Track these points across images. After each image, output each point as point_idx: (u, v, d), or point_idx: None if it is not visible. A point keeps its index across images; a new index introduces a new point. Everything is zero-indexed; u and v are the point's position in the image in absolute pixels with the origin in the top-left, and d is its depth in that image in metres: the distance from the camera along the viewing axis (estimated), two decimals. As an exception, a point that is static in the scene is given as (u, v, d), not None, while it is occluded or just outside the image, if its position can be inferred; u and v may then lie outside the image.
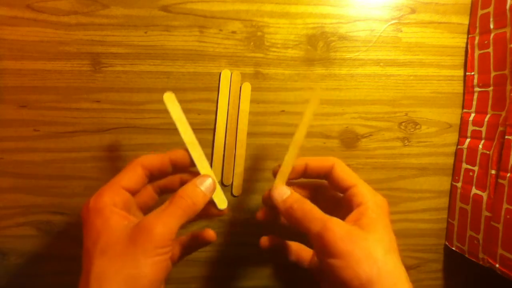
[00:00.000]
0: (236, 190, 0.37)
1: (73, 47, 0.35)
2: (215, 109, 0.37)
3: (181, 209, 0.26)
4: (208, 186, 0.29)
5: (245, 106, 0.37)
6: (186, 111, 0.36)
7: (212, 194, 0.29)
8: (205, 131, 0.37)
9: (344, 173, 0.30)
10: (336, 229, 0.25)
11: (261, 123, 0.37)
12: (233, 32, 0.36)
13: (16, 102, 0.35)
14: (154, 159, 0.29)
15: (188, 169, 0.31)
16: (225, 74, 0.36)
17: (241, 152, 0.37)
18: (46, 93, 0.35)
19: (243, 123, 0.37)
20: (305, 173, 0.31)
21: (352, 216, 0.27)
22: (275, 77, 0.37)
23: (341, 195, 0.30)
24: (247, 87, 0.36)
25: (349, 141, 0.38)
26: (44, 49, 0.35)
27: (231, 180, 0.37)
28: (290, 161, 0.30)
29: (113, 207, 0.26)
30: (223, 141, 0.37)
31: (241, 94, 0.37)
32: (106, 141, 0.36)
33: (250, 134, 0.37)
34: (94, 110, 0.36)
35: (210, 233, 0.31)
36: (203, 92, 0.36)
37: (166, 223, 0.25)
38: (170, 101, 0.30)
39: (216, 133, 0.37)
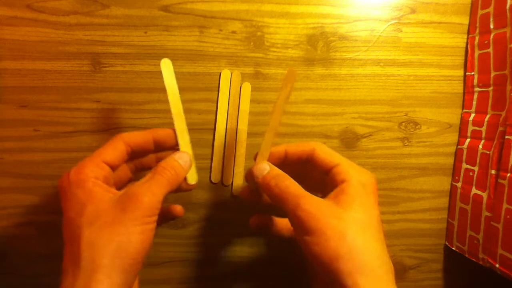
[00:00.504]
0: (236, 190, 0.37)
1: (73, 47, 0.35)
2: (215, 109, 0.37)
3: (166, 179, 0.27)
4: (185, 161, 0.30)
5: (245, 106, 0.37)
6: (186, 111, 0.36)
7: (189, 169, 0.30)
8: (205, 131, 0.37)
9: (326, 154, 0.30)
10: (307, 206, 0.26)
11: (261, 123, 0.37)
12: (233, 32, 0.36)
13: (16, 102, 0.35)
14: (136, 136, 0.30)
15: (170, 148, 0.32)
16: (225, 74, 0.36)
17: (241, 152, 0.37)
18: (46, 93, 0.35)
19: (243, 123, 0.37)
20: (286, 159, 0.31)
21: (332, 193, 0.28)
22: (275, 77, 0.37)
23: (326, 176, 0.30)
24: (247, 87, 0.36)
25: (349, 141, 0.38)
26: (44, 49, 0.35)
27: (231, 180, 0.37)
28: (269, 141, 0.30)
29: (95, 179, 0.26)
30: (223, 141, 0.37)
31: (241, 94, 0.37)
32: (106, 141, 0.36)
33: (250, 134, 0.37)
34: (94, 110, 0.36)
35: (178, 209, 0.33)
36: (203, 92, 0.36)
37: (153, 192, 0.26)
38: (166, 68, 0.30)
39: (216, 133, 0.37)
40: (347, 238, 0.25)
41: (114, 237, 0.25)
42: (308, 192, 0.27)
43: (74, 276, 0.24)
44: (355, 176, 0.28)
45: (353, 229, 0.25)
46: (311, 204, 0.26)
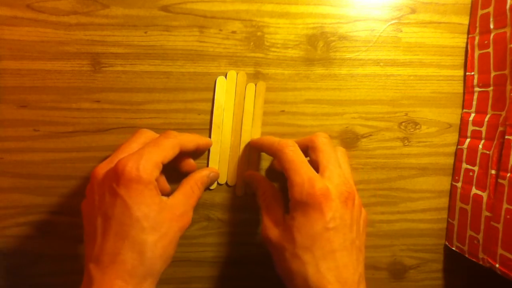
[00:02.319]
0: (238, 191, 0.37)
1: (73, 47, 0.35)
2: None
3: (196, 199, 0.31)
4: (213, 182, 0.36)
5: (249, 106, 0.36)
6: (186, 111, 0.36)
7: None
8: (205, 131, 0.37)
9: (282, 163, 0.32)
10: (264, 219, 0.31)
11: (262, 123, 0.37)
12: (233, 32, 0.36)
13: (16, 102, 0.35)
14: (189, 143, 0.31)
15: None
16: (231, 74, 0.36)
17: (245, 153, 0.37)
18: (46, 93, 0.35)
19: (247, 124, 0.37)
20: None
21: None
22: (275, 77, 0.37)
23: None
24: (251, 88, 0.36)
25: (349, 141, 0.38)
26: (44, 49, 0.35)
27: (235, 181, 0.37)
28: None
29: (156, 182, 0.27)
30: (229, 143, 0.37)
31: (245, 95, 0.36)
32: (106, 141, 0.36)
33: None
34: (94, 110, 0.36)
35: None
36: (203, 92, 0.36)
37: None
38: (220, 85, 0.35)
39: (222, 134, 0.36)
40: (285, 257, 0.28)
41: (168, 250, 0.27)
42: (267, 209, 0.32)
43: (130, 274, 0.25)
44: (296, 192, 0.28)
45: (290, 249, 0.28)
46: (266, 220, 0.31)
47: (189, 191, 0.30)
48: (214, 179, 0.35)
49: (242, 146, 0.37)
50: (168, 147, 0.29)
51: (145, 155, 0.27)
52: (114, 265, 0.25)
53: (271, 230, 0.30)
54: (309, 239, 0.27)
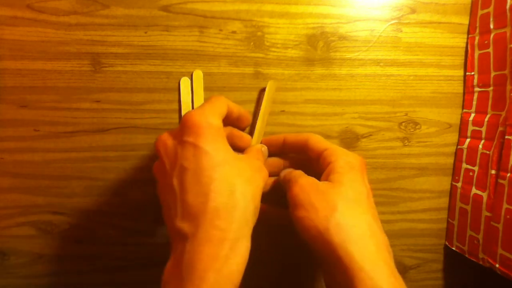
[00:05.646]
0: None
1: (73, 47, 0.35)
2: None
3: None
4: (266, 155, 0.35)
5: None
6: (186, 111, 0.36)
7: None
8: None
9: (317, 141, 0.32)
10: (301, 181, 0.29)
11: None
12: (233, 32, 0.36)
13: (16, 102, 0.35)
14: (235, 108, 0.31)
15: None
16: (197, 74, 0.36)
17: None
18: (46, 93, 0.35)
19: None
20: (284, 147, 0.35)
21: (323, 175, 0.30)
22: (275, 77, 0.37)
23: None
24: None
25: (349, 141, 0.38)
26: (44, 49, 0.35)
27: None
28: (261, 128, 0.35)
29: (224, 132, 0.27)
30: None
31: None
32: (106, 141, 0.36)
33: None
34: (94, 110, 0.36)
35: None
36: (204, 92, 0.36)
37: None
38: (185, 86, 0.35)
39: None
40: (336, 211, 0.26)
41: (256, 198, 0.25)
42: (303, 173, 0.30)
43: (226, 221, 0.23)
44: (342, 157, 0.29)
45: (342, 203, 0.27)
46: (306, 181, 0.29)
47: (255, 155, 0.31)
48: (266, 153, 0.35)
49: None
50: (220, 103, 0.29)
51: (206, 107, 0.27)
52: (206, 215, 0.23)
53: (307, 177, 0.29)
54: (358, 192, 0.28)
